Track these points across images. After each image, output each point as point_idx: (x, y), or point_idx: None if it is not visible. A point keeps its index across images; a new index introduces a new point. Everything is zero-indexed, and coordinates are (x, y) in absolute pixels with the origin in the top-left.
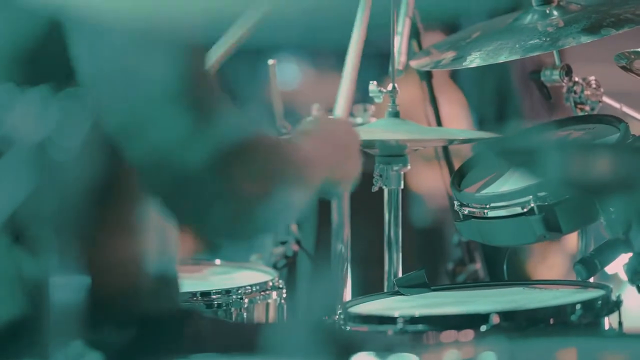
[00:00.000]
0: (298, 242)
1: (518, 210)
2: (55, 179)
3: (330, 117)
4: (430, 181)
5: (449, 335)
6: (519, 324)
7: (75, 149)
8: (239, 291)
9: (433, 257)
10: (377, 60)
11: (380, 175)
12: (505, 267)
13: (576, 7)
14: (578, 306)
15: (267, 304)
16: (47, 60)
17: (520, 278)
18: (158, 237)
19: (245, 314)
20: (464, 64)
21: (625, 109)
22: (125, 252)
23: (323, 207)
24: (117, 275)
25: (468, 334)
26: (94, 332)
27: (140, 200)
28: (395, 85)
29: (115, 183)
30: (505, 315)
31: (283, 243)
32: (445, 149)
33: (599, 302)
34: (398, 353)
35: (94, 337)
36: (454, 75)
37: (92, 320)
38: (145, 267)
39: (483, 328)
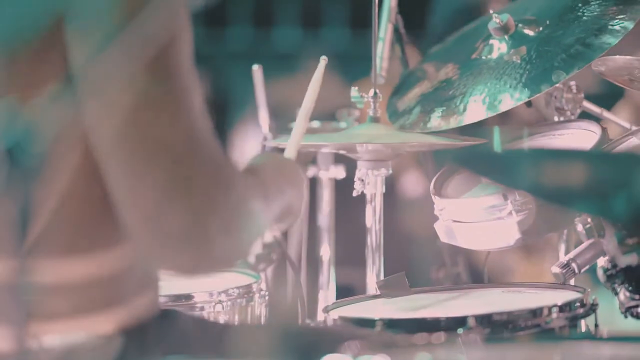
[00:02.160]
0: (280, 246)
1: (497, 214)
2: (23, 184)
3: (281, 155)
4: (415, 185)
5: (421, 337)
6: (496, 326)
7: (43, 155)
8: (222, 294)
9: (416, 260)
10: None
11: (362, 180)
12: (485, 270)
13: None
14: (554, 309)
15: (250, 307)
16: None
17: (502, 280)
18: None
19: (227, 316)
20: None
21: (606, 114)
22: (104, 256)
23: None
24: (97, 279)
25: (440, 336)
26: (72, 338)
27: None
28: (377, 90)
29: (92, 185)
30: (482, 318)
31: (266, 246)
32: (427, 154)
33: (576, 304)
34: (369, 355)
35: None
36: None
37: (71, 327)
38: (125, 269)
39: (460, 331)
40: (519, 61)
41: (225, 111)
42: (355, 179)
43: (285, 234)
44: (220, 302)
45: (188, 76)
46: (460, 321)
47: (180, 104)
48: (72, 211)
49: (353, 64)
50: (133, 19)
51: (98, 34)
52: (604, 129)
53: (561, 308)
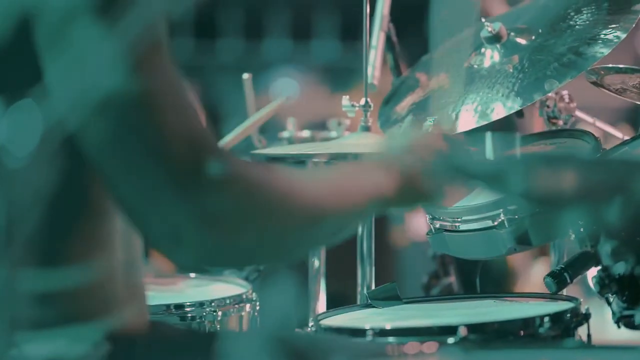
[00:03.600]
0: None
1: (489, 223)
2: (8, 187)
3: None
4: None
5: (412, 346)
6: (487, 336)
7: (28, 157)
8: (213, 304)
9: (407, 269)
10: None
11: None
12: (477, 280)
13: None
14: (546, 319)
15: (241, 317)
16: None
17: (500, 290)
18: (123, 248)
19: (218, 326)
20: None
21: (599, 124)
22: (87, 263)
23: None
24: (84, 288)
25: (432, 345)
26: (58, 347)
27: (105, 211)
28: (368, 99)
29: (77, 192)
30: (473, 327)
31: None
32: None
33: (568, 314)
34: None
35: (58, 352)
36: None
37: (56, 335)
38: (110, 278)
39: (451, 340)
40: (511, 70)
41: (215, 122)
42: None
43: None
44: (211, 312)
45: (174, 72)
46: (452, 330)
47: (169, 99)
48: (58, 218)
49: (343, 75)
50: (108, 21)
51: (70, 38)
52: (596, 139)
53: (552, 318)
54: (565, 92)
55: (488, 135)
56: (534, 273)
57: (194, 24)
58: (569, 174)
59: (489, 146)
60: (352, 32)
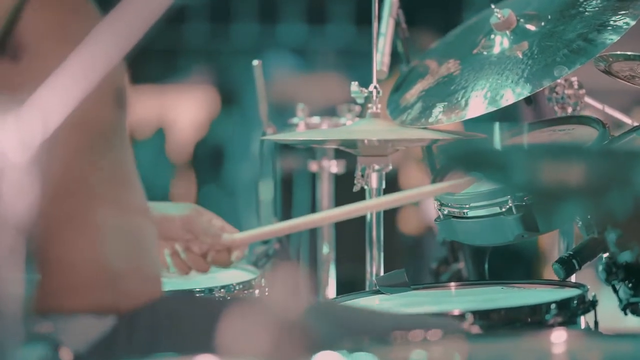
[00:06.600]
0: (280, 241)
1: (496, 210)
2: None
3: None
4: (415, 181)
5: (417, 334)
6: (494, 323)
7: (34, 151)
8: (222, 290)
9: (416, 256)
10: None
11: (362, 175)
12: (486, 266)
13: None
14: (553, 305)
15: None
16: None
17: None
18: (131, 235)
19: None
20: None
21: (608, 110)
22: (90, 249)
23: (307, 208)
24: (86, 272)
25: (436, 333)
26: (63, 328)
27: (109, 199)
28: (377, 86)
29: (79, 182)
30: (481, 314)
31: (265, 242)
32: (427, 148)
33: (575, 301)
34: (360, 352)
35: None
36: None
37: (59, 318)
38: (114, 264)
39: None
40: (520, 56)
41: (230, 106)
42: (356, 174)
43: None
44: (220, 298)
45: None
46: (459, 317)
47: None
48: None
49: (357, 60)
50: None
51: None
52: (605, 126)
53: (559, 305)
54: (574, 79)
55: (496, 124)
56: None
57: (209, 8)
58: (575, 163)
59: (496, 135)
60: (366, 16)
